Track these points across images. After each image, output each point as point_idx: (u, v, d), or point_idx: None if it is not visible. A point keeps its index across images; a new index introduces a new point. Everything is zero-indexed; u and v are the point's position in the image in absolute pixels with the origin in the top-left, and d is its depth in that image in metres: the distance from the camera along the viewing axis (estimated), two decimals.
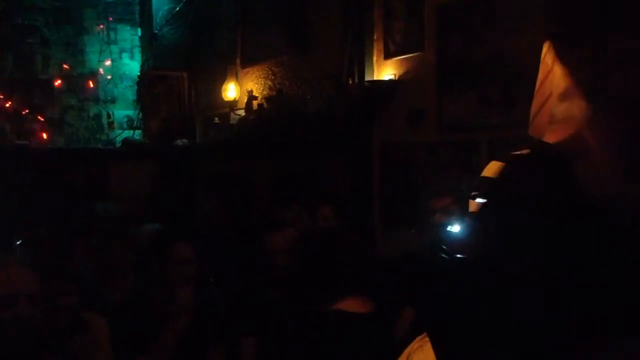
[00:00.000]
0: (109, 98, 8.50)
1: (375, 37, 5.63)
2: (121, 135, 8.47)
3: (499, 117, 4.52)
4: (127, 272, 4.14)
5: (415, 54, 5.28)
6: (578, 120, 2.32)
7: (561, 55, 1.07)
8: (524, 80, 4.12)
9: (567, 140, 1.11)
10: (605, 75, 0.99)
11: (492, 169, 2.45)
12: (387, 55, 5.53)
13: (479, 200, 2.34)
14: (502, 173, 1.13)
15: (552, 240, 1.01)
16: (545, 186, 1.05)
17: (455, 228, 2.77)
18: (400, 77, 5.41)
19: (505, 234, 1.08)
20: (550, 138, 2.34)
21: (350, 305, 2.62)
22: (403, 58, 5.40)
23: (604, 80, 1.00)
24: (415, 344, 1.75)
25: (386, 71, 5.53)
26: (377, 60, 5.62)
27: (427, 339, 1.88)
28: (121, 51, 8.50)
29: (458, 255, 2.24)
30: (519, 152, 1.14)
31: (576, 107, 2.33)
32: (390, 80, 5.47)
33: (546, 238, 1.02)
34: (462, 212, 2.49)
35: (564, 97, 2.39)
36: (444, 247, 3.22)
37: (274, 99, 6.81)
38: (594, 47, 0.99)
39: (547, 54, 3.00)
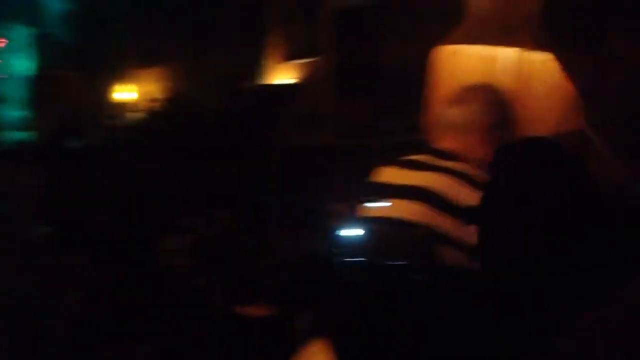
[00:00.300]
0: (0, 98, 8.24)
1: (274, 41, 5.64)
2: (13, 136, 8.22)
3: (395, 122, 4.60)
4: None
5: (314, 59, 5.33)
6: (476, 124, 2.38)
7: (560, 58, 1.10)
8: (420, 86, 4.21)
9: (569, 135, 1.13)
10: (602, 77, 1.02)
11: (383, 173, 2.50)
12: (286, 59, 5.56)
13: (373, 204, 2.39)
14: (499, 166, 1.13)
15: (557, 232, 1.03)
16: (550, 178, 1.07)
17: (353, 232, 2.80)
18: (299, 81, 5.44)
19: (508, 223, 1.07)
20: (447, 143, 2.40)
21: (250, 309, 2.63)
22: (302, 62, 5.43)
23: (602, 82, 1.03)
24: (313, 347, 1.77)
25: (285, 75, 5.56)
26: (276, 64, 5.64)
27: (325, 341, 1.91)
28: (13, 50, 8.26)
29: (355, 259, 2.27)
30: (516, 144, 1.15)
31: (471, 112, 2.40)
32: (289, 84, 5.49)
33: (550, 229, 1.03)
34: (359, 216, 2.52)
35: (457, 102, 2.45)
36: (342, 250, 3.25)
37: (171, 101, 6.74)
38: (591, 49, 1.02)
39: (436, 61, 3.08)
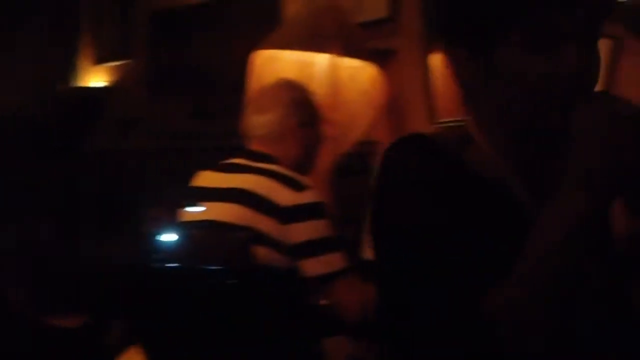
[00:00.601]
0: None
1: (86, 42, 5.47)
2: None
3: (210, 126, 4.59)
4: None
5: (127, 61, 5.21)
6: (284, 126, 2.43)
7: (449, 59, 1.15)
8: (236, 89, 4.23)
9: (453, 130, 1.19)
10: (488, 82, 1.09)
11: (201, 177, 2.50)
12: (99, 61, 5.40)
13: (191, 208, 2.38)
14: (388, 163, 1.15)
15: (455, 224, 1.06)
16: (438, 168, 1.11)
17: (168, 237, 2.78)
18: (112, 83, 5.31)
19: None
20: (262, 146, 2.43)
21: (63, 319, 2.55)
22: (115, 64, 5.30)
23: (487, 87, 1.09)
24: (128, 355, 1.74)
25: (98, 77, 5.40)
26: (88, 66, 5.47)
27: (141, 348, 1.88)
28: None
29: (171, 265, 2.25)
30: (401, 140, 1.18)
31: (272, 121, 2.44)
32: (102, 87, 5.34)
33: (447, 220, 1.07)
34: (177, 221, 2.50)
35: (261, 110, 2.49)
36: (159, 256, 3.20)
37: None
38: (479, 53, 1.08)
39: (254, 65, 3.11)
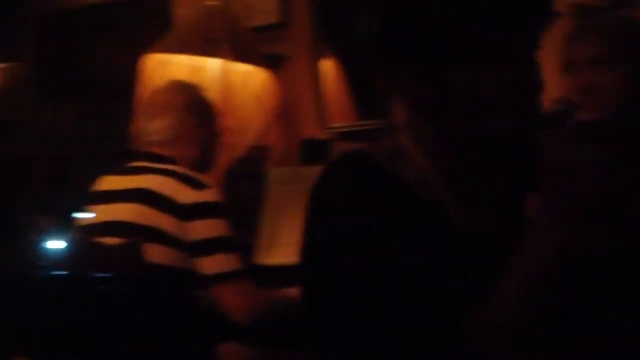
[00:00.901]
0: None
1: None
2: None
3: (98, 131, 4.51)
4: None
5: (11, 63, 5.05)
6: (175, 136, 2.42)
7: (392, 77, 1.15)
8: (125, 94, 4.16)
9: (386, 145, 1.19)
10: (436, 101, 1.10)
11: (103, 182, 2.45)
12: None
13: (85, 213, 2.34)
14: (324, 181, 1.14)
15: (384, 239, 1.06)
16: (368, 184, 1.11)
17: (55, 244, 2.71)
18: None
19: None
20: (158, 148, 2.41)
21: None
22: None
23: (435, 105, 1.10)
24: None
25: None
26: None
27: (25, 358, 1.83)
28: None
29: (58, 272, 2.20)
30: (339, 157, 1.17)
31: (167, 126, 2.43)
32: None
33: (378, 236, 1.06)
34: (68, 227, 2.45)
35: (154, 115, 2.48)
36: (48, 263, 3.11)
37: None
38: (430, 73, 1.09)
39: (145, 69, 3.08)
